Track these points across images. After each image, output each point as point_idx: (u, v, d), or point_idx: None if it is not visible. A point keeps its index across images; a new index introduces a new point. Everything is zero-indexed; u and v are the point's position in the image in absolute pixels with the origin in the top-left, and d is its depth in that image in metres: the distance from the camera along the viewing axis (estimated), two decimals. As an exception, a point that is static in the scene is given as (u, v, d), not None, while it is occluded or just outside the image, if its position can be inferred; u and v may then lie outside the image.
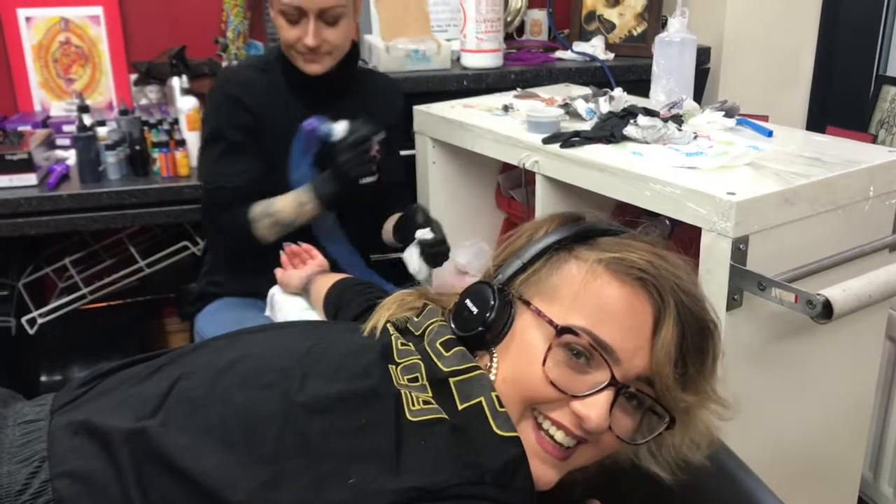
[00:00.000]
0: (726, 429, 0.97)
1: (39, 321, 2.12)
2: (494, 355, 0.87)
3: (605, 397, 0.81)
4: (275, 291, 1.60)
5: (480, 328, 0.87)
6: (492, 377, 0.86)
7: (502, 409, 0.82)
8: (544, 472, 0.83)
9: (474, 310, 0.88)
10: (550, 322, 0.83)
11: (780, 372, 1.36)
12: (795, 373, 1.39)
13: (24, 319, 2.12)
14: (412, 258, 1.59)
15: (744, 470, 1.02)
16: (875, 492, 1.90)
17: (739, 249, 1.21)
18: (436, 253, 1.59)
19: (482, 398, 0.82)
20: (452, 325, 0.90)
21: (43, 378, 2.28)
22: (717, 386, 0.88)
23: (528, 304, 0.87)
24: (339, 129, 1.58)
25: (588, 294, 0.84)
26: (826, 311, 1.12)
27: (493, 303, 0.87)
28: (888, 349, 1.79)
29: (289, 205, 1.62)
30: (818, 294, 1.13)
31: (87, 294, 2.15)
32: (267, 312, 1.61)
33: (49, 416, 0.87)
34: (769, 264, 1.23)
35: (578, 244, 0.89)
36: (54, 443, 0.83)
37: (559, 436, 0.83)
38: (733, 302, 1.23)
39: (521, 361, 0.85)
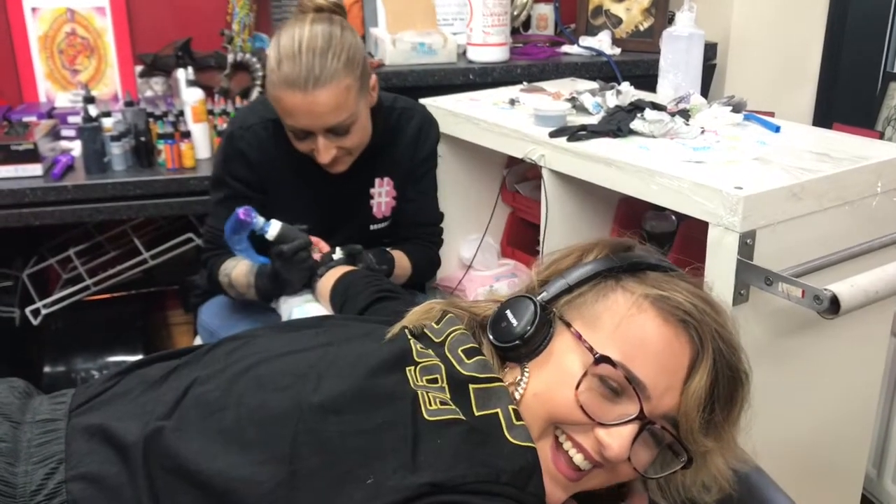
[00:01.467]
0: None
1: (43, 312, 2.13)
2: (526, 370, 0.88)
3: (630, 430, 0.82)
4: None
5: (517, 341, 0.87)
6: (521, 390, 0.86)
7: (519, 423, 0.83)
8: (552, 492, 0.85)
9: (514, 322, 0.88)
10: (590, 349, 0.84)
11: (785, 367, 1.35)
12: (801, 369, 1.38)
13: (27, 310, 2.12)
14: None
15: (748, 464, 1.02)
16: (879, 489, 1.89)
17: (746, 244, 1.20)
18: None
19: (499, 409, 0.83)
20: (489, 334, 0.91)
21: (47, 369, 2.28)
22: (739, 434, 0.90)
23: (568, 325, 0.88)
24: (273, 229, 1.46)
25: (630, 327, 0.84)
26: (833, 307, 1.12)
27: (534, 318, 0.87)
28: (894, 346, 1.78)
29: (241, 278, 1.56)
30: (825, 289, 1.12)
31: (91, 285, 2.15)
32: (272, 304, 1.60)
33: (67, 415, 0.88)
34: (776, 259, 1.22)
35: (626, 275, 0.89)
36: (72, 445, 0.83)
37: (578, 458, 0.84)
38: (739, 297, 1.23)
39: (554, 381, 0.85)
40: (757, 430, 1.11)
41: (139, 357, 1.27)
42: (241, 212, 1.45)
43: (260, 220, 1.46)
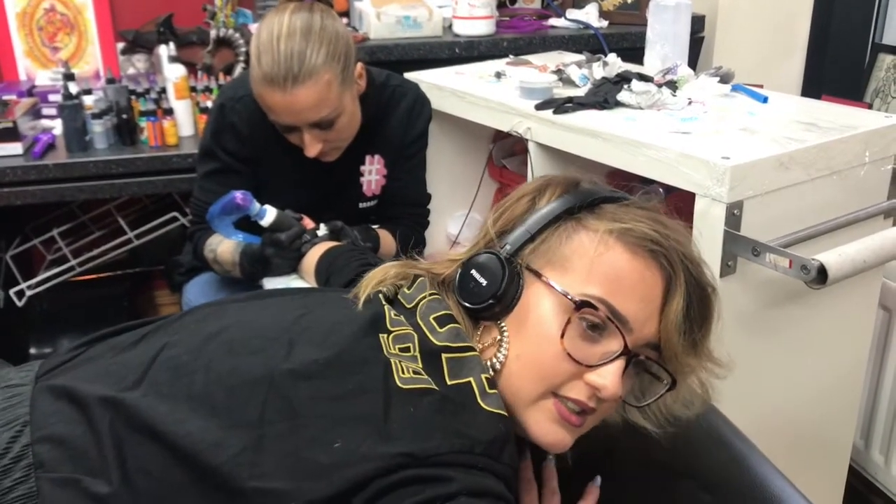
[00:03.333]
0: (719, 395, 0.96)
1: (28, 293, 2.11)
2: (504, 328, 0.86)
3: (618, 365, 0.82)
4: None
5: (490, 300, 0.86)
6: (503, 352, 0.85)
7: (492, 391, 0.81)
8: (563, 437, 0.84)
9: (483, 281, 0.86)
10: (567, 296, 0.82)
11: (773, 339, 1.35)
12: (789, 340, 1.38)
13: (12, 291, 2.10)
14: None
15: (737, 435, 1.01)
16: (866, 460, 1.90)
17: (734, 215, 1.20)
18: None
19: (471, 378, 0.82)
20: (459, 297, 0.89)
21: (32, 350, 2.27)
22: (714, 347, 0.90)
23: (538, 275, 0.86)
24: (269, 216, 1.44)
25: (602, 265, 0.84)
26: (821, 276, 1.11)
27: (502, 274, 0.85)
28: (881, 317, 1.79)
29: (226, 255, 1.54)
30: (813, 259, 1.12)
31: (75, 266, 2.13)
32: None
33: (34, 381, 0.86)
34: (763, 230, 1.22)
35: (584, 212, 0.88)
36: (36, 407, 0.82)
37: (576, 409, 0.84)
38: (727, 268, 1.22)
39: (535, 336, 0.84)
40: (745, 401, 1.12)
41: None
42: (238, 196, 1.42)
43: (256, 205, 1.44)
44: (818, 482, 1.57)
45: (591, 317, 0.82)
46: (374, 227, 1.68)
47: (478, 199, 1.91)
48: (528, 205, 0.91)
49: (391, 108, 1.67)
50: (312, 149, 1.48)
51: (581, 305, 0.82)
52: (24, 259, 2.28)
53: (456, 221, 1.96)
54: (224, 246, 1.55)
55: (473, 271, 0.88)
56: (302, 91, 1.39)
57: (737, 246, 1.20)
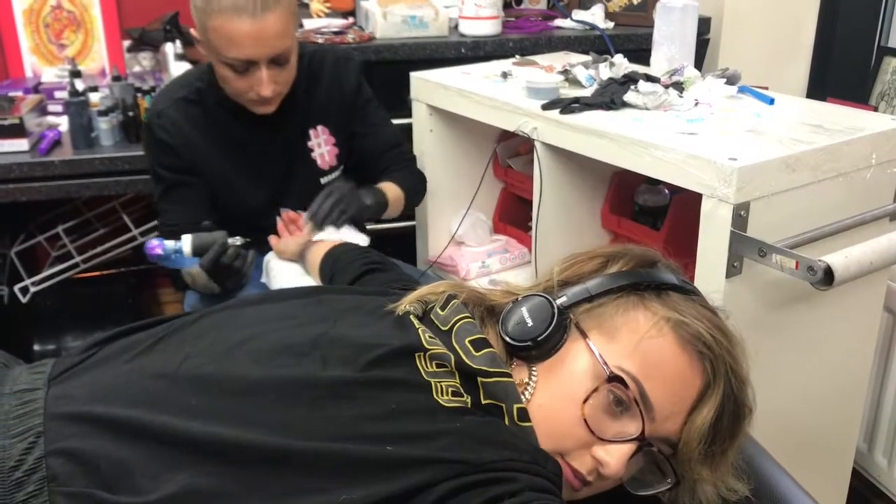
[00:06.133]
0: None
1: (32, 290, 2.11)
2: (534, 372, 0.87)
3: (628, 448, 0.82)
4: (270, 258, 1.59)
5: (530, 342, 0.86)
6: (527, 396, 0.85)
7: (523, 424, 0.82)
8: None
9: (529, 322, 0.87)
10: (605, 364, 0.83)
11: (778, 340, 1.35)
12: (794, 341, 1.38)
13: (16, 288, 2.11)
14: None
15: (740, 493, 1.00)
16: (869, 462, 1.90)
17: (740, 216, 1.20)
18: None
19: (504, 404, 0.83)
20: (501, 329, 0.89)
21: (36, 347, 2.27)
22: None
23: (584, 334, 0.86)
24: (186, 245, 1.43)
25: (648, 348, 0.83)
26: (827, 278, 1.11)
27: (550, 322, 0.86)
28: (886, 321, 1.79)
29: (201, 277, 1.53)
30: (819, 260, 1.12)
31: (80, 263, 2.14)
32: (263, 279, 1.59)
33: (46, 384, 0.85)
34: (770, 231, 1.22)
35: (650, 292, 0.88)
36: (50, 418, 0.80)
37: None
38: (733, 269, 1.22)
39: (560, 392, 0.84)
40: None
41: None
42: (149, 250, 1.42)
43: (170, 243, 1.43)
44: (821, 484, 1.57)
45: (619, 392, 0.82)
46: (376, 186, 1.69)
47: (483, 199, 1.92)
48: (599, 266, 0.91)
49: (314, 75, 1.68)
50: (269, 87, 1.48)
51: (613, 378, 0.82)
52: (28, 256, 2.28)
53: (459, 220, 1.96)
54: (195, 269, 1.54)
55: (523, 309, 0.88)
56: (271, 17, 1.42)
57: (743, 247, 1.20)
